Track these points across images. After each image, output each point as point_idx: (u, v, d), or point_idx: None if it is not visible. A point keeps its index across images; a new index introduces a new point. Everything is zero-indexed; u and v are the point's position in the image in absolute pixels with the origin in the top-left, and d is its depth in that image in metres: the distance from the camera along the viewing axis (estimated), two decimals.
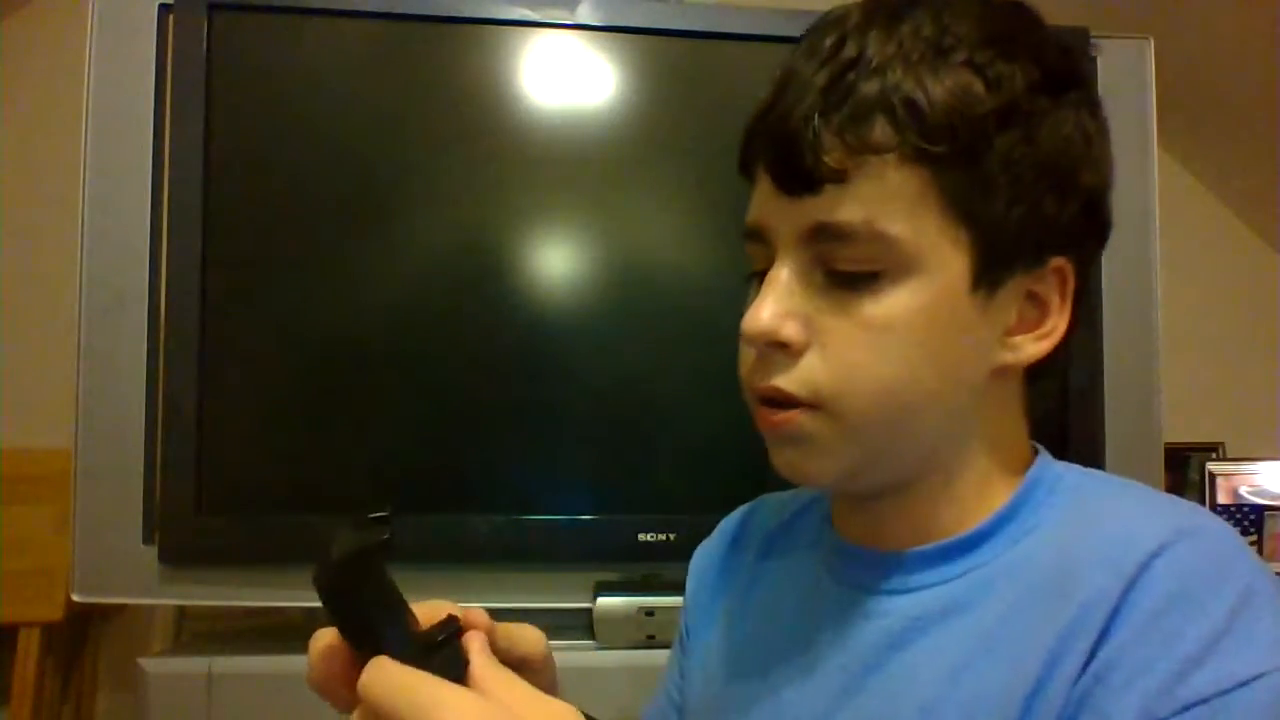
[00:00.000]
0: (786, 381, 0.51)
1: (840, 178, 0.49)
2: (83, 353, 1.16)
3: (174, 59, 1.19)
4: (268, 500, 1.21)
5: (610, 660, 1.18)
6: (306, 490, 1.21)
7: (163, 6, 1.19)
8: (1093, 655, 0.44)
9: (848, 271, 0.50)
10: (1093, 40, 1.33)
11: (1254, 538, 1.59)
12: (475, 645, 0.45)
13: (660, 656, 1.20)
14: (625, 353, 1.27)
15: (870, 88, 0.49)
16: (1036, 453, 0.57)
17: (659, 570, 1.24)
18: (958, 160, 0.48)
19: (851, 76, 0.49)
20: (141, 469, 1.16)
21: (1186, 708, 0.41)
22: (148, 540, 1.16)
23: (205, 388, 1.16)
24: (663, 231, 1.29)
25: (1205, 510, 0.50)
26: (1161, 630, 0.43)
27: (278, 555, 1.17)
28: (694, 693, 0.67)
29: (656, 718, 0.73)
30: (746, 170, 0.55)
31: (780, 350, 0.51)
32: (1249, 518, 1.61)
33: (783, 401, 0.52)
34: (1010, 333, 0.52)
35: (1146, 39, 1.35)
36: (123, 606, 1.53)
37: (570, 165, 1.27)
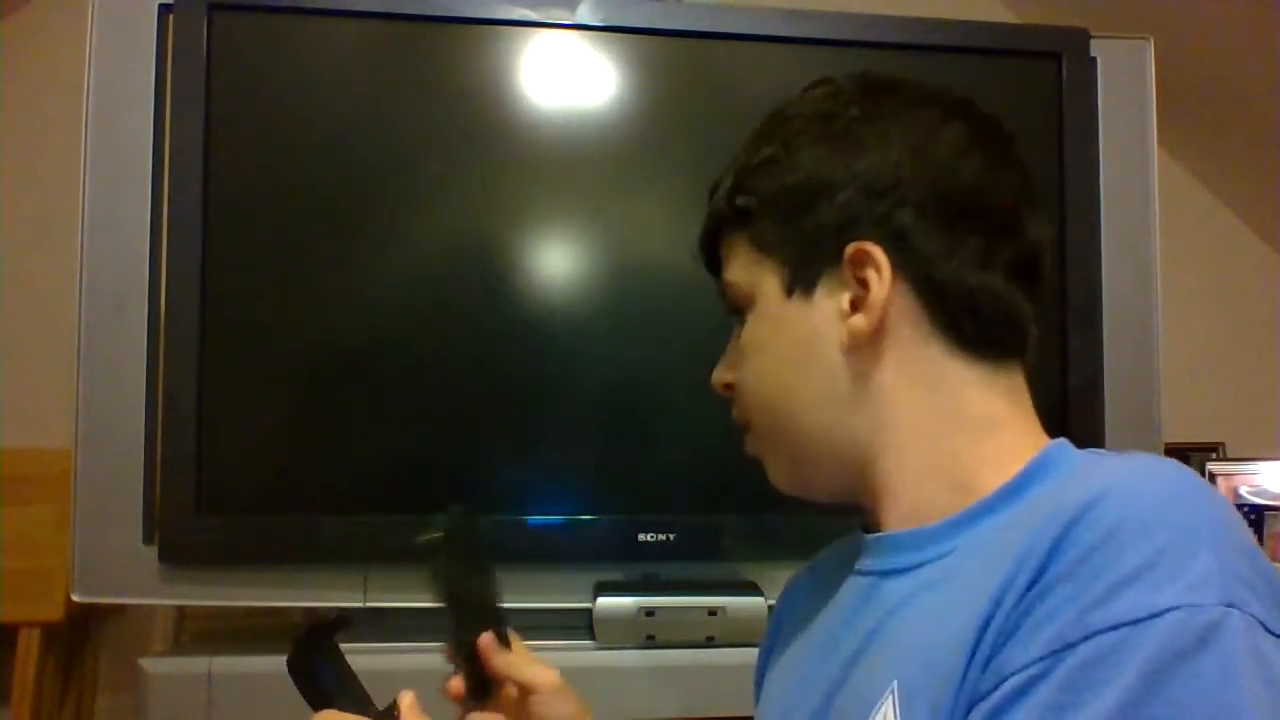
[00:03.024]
0: (734, 413, 0.66)
1: (716, 255, 0.67)
2: (83, 353, 1.16)
3: (174, 59, 1.19)
4: (268, 500, 1.21)
5: (610, 660, 1.18)
6: (306, 490, 1.21)
7: (163, 6, 1.19)
8: (1029, 590, 0.46)
9: (738, 317, 0.65)
10: (1093, 40, 1.33)
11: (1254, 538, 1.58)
12: (406, 701, 0.60)
13: (660, 656, 1.21)
14: (625, 353, 1.27)
15: (713, 201, 0.67)
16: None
17: (659, 570, 1.25)
18: (747, 216, 0.63)
19: (710, 198, 0.67)
20: (141, 469, 1.16)
21: (1096, 633, 0.42)
22: (148, 540, 1.16)
23: (205, 388, 1.16)
24: (663, 231, 1.29)
25: (1180, 465, 0.49)
26: (1092, 563, 0.44)
27: (278, 555, 1.17)
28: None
29: None
30: None
31: (734, 392, 0.66)
32: (1249, 518, 1.60)
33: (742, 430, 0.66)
34: (846, 316, 0.59)
35: (1146, 39, 1.35)
36: (123, 606, 1.53)
37: (570, 165, 1.27)
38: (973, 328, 0.59)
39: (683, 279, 1.27)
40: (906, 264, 0.58)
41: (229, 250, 1.19)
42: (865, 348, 0.58)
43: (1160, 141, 1.33)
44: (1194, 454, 1.73)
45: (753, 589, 1.22)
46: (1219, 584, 0.43)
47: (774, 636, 0.74)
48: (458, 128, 1.25)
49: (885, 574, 0.58)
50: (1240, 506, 1.64)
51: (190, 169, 1.18)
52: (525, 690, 0.68)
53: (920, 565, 0.56)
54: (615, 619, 1.19)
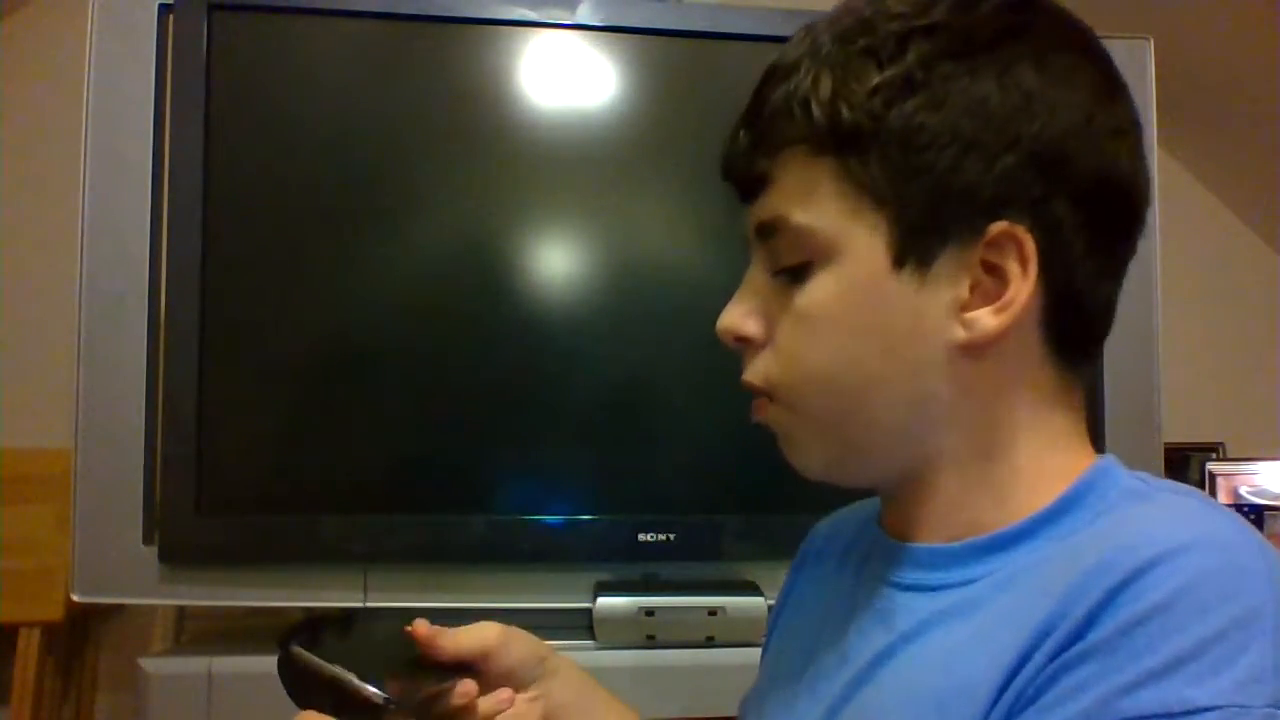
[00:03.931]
0: (748, 374, 0.55)
1: (762, 180, 0.52)
2: (83, 353, 1.16)
3: (174, 59, 1.18)
4: (268, 500, 1.21)
5: (610, 660, 1.18)
6: (306, 490, 1.21)
7: (163, 6, 1.19)
8: (1061, 653, 0.41)
9: (788, 266, 0.52)
10: None
11: None
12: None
13: (660, 657, 1.21)
14: (625, 353, 1.27)
15: (777, 93, 0.51)
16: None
17: (659, 570, 1.25)
18: (853, 143, 0.48)
19: (766, 87, 0.52)
20: (141, 469, 1.16)
21: None
22: (148, 540, 1.16)
23: (205, 388, 1.16)
24: (663, 231, 1.29)
25: (1241, 524, 0.45)
26: (1134, 640, 0.39)
27: (278, 555, 1.17)
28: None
29: None
30: None
31: (747, 346, 0.55)
32: (1249, 518, 1.60)
33: (757, 395, 0.55)
34: (965, 308, 0.49)
35: (1146, 39, 1.35)
36: (123, 606, 1.53)
37: (570, 165, 1.27)
38: (1085, 343, 0.52)
39: (683, 279, 1.27)
40: (1051, 262, 0.48)
41: (229, 250, 1.19)
42: (979, 350, 0.49)
43: (1160, 141, 1.33)
44: (1194, 454, 1.73)
45: (753, 589, 1.22)
46: (1272, 681, 0.38)
47: (788, 592, 0.69)
48: (458, 128, 1.25)
49: (906, 588, 0.53)
50: (1240, 507, 1.64)
51: (190, 169, 1.18)
52: (480, 657, 0.62)
53: (944, 587, 0.50)
54: (615, 619, 1.19)
